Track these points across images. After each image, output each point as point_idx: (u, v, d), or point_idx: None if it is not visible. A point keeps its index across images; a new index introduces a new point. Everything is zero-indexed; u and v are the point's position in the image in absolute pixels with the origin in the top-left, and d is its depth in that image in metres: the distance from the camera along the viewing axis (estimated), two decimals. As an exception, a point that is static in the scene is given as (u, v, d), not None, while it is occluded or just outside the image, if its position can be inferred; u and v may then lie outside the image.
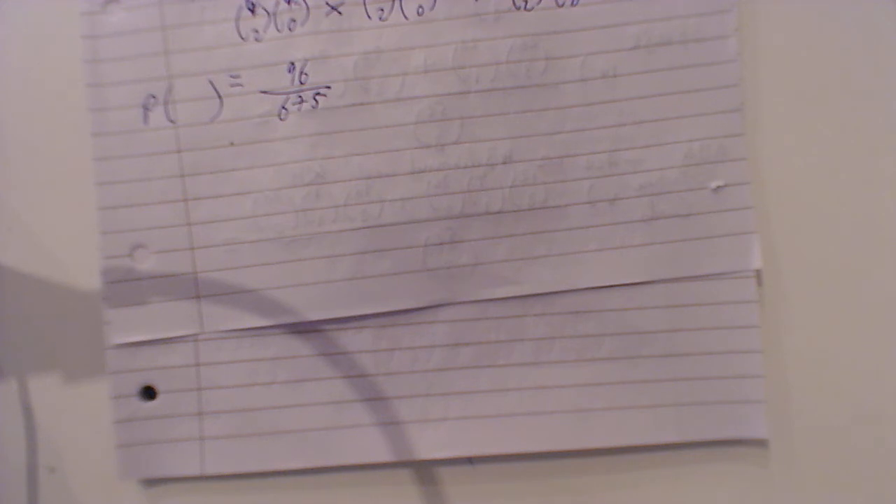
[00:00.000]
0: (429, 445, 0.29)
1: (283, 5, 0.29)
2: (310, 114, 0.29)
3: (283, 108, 0.29)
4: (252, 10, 0.29)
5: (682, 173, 0.28)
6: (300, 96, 0.29)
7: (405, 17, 0.29)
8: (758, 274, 0.28)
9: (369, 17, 0.29)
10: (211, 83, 0.29)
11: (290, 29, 0.29)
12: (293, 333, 0.29)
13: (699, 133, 0.28)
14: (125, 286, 0.29)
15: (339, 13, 0.29)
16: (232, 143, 0.29)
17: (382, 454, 0.29)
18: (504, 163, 0.28)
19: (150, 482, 0.30)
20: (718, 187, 0.28)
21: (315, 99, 0.29)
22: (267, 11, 0.29)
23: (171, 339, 0.29)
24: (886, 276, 0.28)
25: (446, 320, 0.29)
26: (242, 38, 0.29)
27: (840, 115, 0.29)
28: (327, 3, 0.29)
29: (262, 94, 0.29)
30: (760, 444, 0.28)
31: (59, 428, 0.30)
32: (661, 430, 0.28)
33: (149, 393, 0.29)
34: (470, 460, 0.29)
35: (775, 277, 0.29)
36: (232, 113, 0.29)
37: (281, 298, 0.29)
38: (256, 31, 0.29)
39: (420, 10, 0.29)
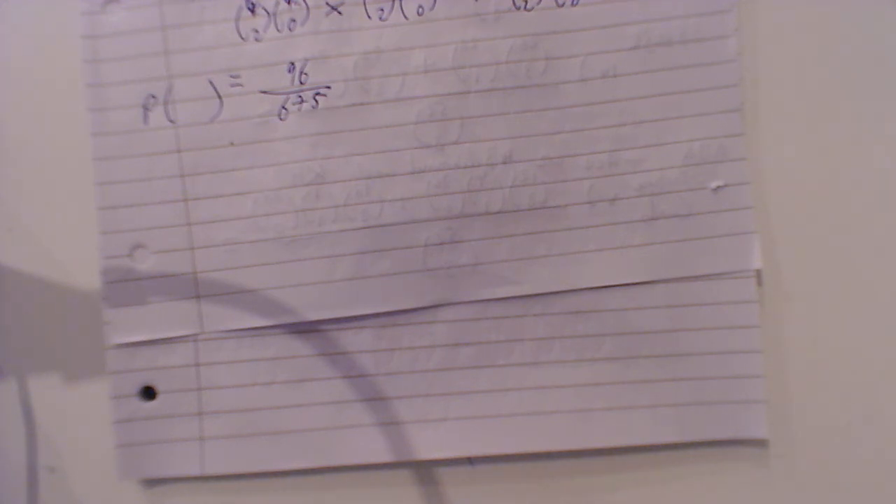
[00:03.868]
0: (429, 445, 0.29)
1: (283, 5, 0.29)
2: (310, 114, 0.29)
3: (283, 108, 0.29)
4: (252, 10, 0.29)
5: (682, 173, 0.28)
6: (300, 96, 0.29)
7: (405, 17, 0.29)
8: (758, 274, 0.28)
9: (369, 17, 0.29)
10: (211, 83, 0.29)
11: (290, 29, 0.29)
12: (293, 333, 0.29)
13: (699, 133, 0.28)
14: (125, 286, 0.29)
15: (339, 13, 0.29)
16: (232, 143, 0.29)
17: (382, 454, 0.29)
18: (504, 163, 0.28)
19: (150, 482, 0.30)
20: (718, 187, 0.28)
21: (315, 99, 0.29)
22: (267, 11, 0.29)
23: (171, 339, 0.29)
24: (886, 275, 0.28)
25: (446, 320, 0.29)
26: (242, 38, 0.29)
27: (840, 114, 0.29)
28: (327, 3, 0.29)
29: (262, 94, 0.29)
30: (760, 444, 0.28)
31: (59, 428, 0.30)
32: (661, 430, 0.28)
33: (149, 393, 0.29)
34: (470, 460, 0.29)
35: (775, 277, 0.29)
36: (232, 113, 0.29)
37: (281, 298, 0.29)
38: (256, 31, 0.29)
39: (420, 10, 0.29)
